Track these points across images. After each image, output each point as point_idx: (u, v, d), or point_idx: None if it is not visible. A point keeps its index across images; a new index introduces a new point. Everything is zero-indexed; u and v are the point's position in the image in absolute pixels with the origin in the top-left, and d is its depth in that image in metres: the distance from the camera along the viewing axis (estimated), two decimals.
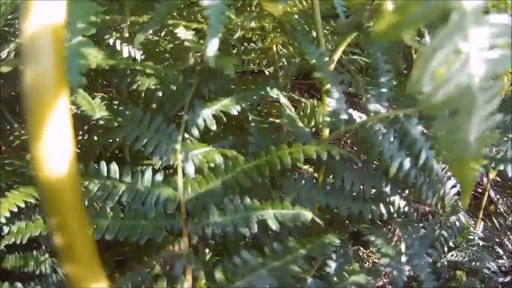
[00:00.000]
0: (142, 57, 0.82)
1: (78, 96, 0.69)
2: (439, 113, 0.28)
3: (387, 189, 0.76)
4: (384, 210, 0.76)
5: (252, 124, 0.80)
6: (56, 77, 0.31)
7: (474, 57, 0.27)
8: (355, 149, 1.13)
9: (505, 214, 1.18)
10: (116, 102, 0.82)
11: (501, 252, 1.04)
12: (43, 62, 0.30)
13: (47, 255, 0.82)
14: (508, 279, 0.99)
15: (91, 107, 0.71)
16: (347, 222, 0.80)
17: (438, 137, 0.29)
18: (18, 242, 0.70)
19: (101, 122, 0.74)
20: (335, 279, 0.71)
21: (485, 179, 1.17)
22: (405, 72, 1.07)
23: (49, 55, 0.30)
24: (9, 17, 0.74)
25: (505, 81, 0.90)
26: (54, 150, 0.31)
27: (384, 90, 0.74)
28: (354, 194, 0.75)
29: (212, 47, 0.49)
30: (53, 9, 0.30)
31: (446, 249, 0.90)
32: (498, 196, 1.25)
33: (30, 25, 0.30)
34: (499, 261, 1.02)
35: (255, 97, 0.79)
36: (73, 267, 0.34)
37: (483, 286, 0.91)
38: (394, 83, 0.76)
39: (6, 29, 0.77)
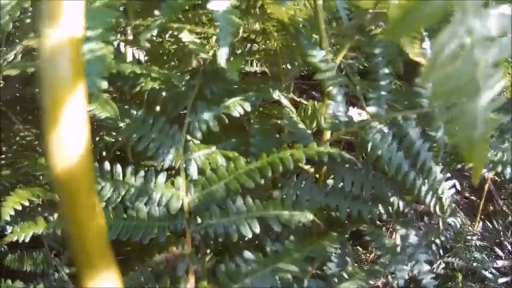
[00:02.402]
0: (146, 58, 0.83)
1: (101, 101, 0.70)
2: (447, 102, 0.30)
3: (386, 190, 0.77)
4: (383, 211, 0.77)
5: (254, 126, 0.80)
6: (73, 75, 0.32)
7: (477, 49, 0.29)
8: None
9: (504, 214, 1.19)
10: (120, 103, 0.82)
11: (500, 252, 1.05)
12: (61, 65, 0.31)
13: (49, 255, 0.83)
14: (507, 279, 0.99)
15: (114, 111, 0.72)
16: (346, 222, 0.80)
17: (448, 123, 0.31)
18: (20, 240, 0.71)
19: (104, 123, 0.74)
20: (335, 279, 0.72)
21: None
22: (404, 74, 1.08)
23: (67, 60, 0.31)
24: (16, 19, 0.74)
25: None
26: (70, 139, 0.32)
27: (383, 93, 0.75)
28: (354, 195, 0.76)
29: (224, 51, 0.50)
30: (71, 19, 0.31)
31: (444, 250, 0.91)
32: (497, 196, 1.26)
33: (49, 33, 0.31)
34: (498, 261, 1.02)
35: (257, 98, 0.80)
36: (85, 258, 0.35)
37: (482, 287, 0.92)
38: (393, 86, 0.77)
39: (13, 30, 0.78)
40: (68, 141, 0.32)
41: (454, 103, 0.30)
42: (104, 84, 0.53)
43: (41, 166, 0.76)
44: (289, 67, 0.95)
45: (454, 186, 0.77)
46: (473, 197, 1.24)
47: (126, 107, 0.76)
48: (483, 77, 0.29)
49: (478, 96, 0.29)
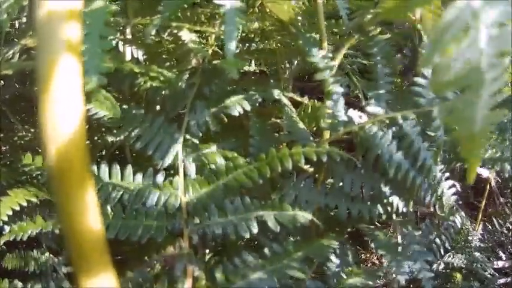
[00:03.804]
0: (145, 57, 0.83)
1: (100, 96, 0.69)
2: (449, 91, 0.29)
3: (386, 190, 0.76)
4: (382, 211, 0.76)
5: (253, 125, 0.80)
6: (69, 45, 0.31)
7: (483, 34, 0.28)
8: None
9: (505, 215, 1.18)
10: (118, 102, 0.82)
11: (501, 253, 1.04)
12: (57, 32, 0.30)
13: (47, 254, 0.82)
14: (508, 280, 0.99)
15: (113, 107, 0.71)
16: (346, 222, 0.80)
17: (449, 115, 0.30)
18: (18, 239, 0.70)
19: (103, 121, 0.74)
20: (334, 280, 0.72)
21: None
22: (402, 73, 1.07)
23: (63, 27, 0.30)
24: (15, 17, 0.74)
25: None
26: (64, 113, 0.31)
27: (383, 92, 0.75)
28: (353, 194, 0.75)
29: (231, 44, 0.50)
30: None
31: (444, 250, 0.90)
32: (498, 197, 1.25)
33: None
34: (499, 262, 1.02)
35: (256, 98, 0.80)
36: (81, 254, 0.34)
37: (481, 287, 0.91)
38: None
39: (11, 30, 0.78)
40: (62, 114, 0.31)
41: (456, 94, 0.29)
42: (103, 80, 0.53)
43: (39, 166, 0.76)
44: (289, 66, 0.94)
45: (453, 185, 0.77)
46: (474, 198, 1.23)
47: (124, 106, 0.76)
48: (488, 66, 0.27)
49: (482, 88, 0.28)
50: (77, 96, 0.32)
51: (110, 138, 0.80)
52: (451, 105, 0.30)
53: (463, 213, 0.93)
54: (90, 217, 0.34)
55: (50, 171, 0.33)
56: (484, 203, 1.12)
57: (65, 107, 0.31)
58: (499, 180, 1.21)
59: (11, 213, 0.71)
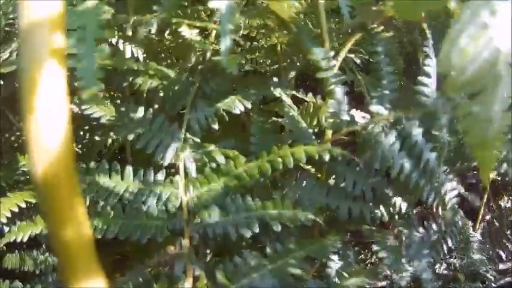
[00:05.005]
0: (145, 55, 0.82)
1: (97, 102, 0.69)
2: (465, 93, 0.28)
3: (388, 190, 0.76)
4: (384, 212, 0.76)
5: (254, 124, 0.79)
6: (52, 52, 0.30)
7: (500, 32, 0.27)
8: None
9: (505, 215, 1.18)
10: (118, 101, 0.81)
11: (501, 253, 1.04)
12: (39, 39, 0.29)
13: (46, 254, 0.82)
14: (508, 279, 0.99)
15: (103, 106, 0.71)
16: (347, 223, 0.79)
17: (462, 117, 0.29)
18: (18, 240, 0.70)
19: (103, 121, 0.74)
20: (335, 279, 0.71)
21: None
22: (405, 72, 1.07)
23: (45, 34, 0.29)
24: (11, 16, 0.73)
25: None
26: (48, 129, 0.30)
27: (386, 92, 0.74)
28: (355, 195, 0.75)
29: (225, 47, 0.50)
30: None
31: (446, 251, 0.90)
32: (499, 197, 1.25)
33: (27, 4, 0.29)
34: (499, 262, 1.02)
35: (257, 96, 0.79)
36: (68, 262, 0.34)
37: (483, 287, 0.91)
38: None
39: (7, 28, 0.77)
40: (46, 128, 0.30)
41: (472, 96, 0.28)
42: (101, 86, 0.51)
43: None
44: (290, 64, 0.94)
45: (456, 187, 0.76)
46: (474, 197, 1.23)
47: (123, 106, 0.76)
48: (504, 64, 0.26)
49: (498, 87, 0.27)
50: (62, 106, 0.31)
51: (111, 138, 0.80)
52: (467, 108, 0.29)
53: (462, 213, 0.92)
54: (78, 228, 0.33)
55: (35, 183, 0.32)
56: (484, 202, 1.12)
57: (50, 121, 0.30)
58: (499, 179, 1.21)
59: (10, 215, 0.70)
